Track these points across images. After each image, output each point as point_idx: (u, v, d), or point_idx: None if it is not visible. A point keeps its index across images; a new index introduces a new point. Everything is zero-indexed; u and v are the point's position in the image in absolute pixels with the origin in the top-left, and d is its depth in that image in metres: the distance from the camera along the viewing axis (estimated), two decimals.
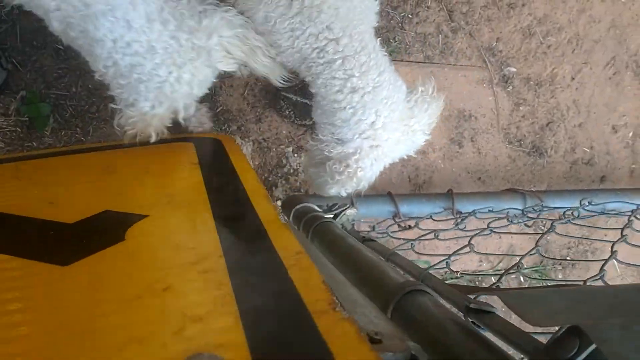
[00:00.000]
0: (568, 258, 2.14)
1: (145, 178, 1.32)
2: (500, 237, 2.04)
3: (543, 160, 2.07)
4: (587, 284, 0.91)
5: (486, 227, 1.49)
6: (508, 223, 1.61)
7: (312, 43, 1.19)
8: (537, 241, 1.24)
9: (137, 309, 0.70)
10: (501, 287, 1.03)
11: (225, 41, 1.21)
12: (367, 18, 1.25)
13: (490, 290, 0.75)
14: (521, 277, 2.14)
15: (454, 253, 1.26)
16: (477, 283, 2.11)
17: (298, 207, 1.57)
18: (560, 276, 2.16)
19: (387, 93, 1.29)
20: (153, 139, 1.32)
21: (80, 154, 1.62)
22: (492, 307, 0.82)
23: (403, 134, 1.41)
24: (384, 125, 1.31)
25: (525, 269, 2.13)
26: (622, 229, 1.69)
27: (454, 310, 0.83)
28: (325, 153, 1.41)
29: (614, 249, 1.25)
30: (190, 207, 1.09)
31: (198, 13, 1.15)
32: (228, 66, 1.26)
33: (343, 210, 1.52)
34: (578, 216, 1.64)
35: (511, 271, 1.16)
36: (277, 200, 1.88)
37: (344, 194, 1.49)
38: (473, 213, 1.71)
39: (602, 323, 0.52)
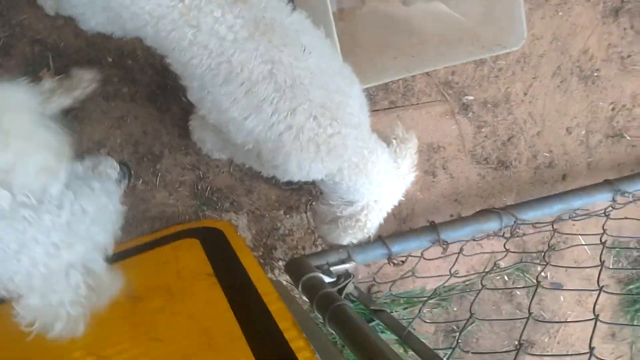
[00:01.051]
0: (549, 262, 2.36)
1: (174, 306, 1.44)
2: (482, 247, 2.23)
3: (509, 171, 2.26)
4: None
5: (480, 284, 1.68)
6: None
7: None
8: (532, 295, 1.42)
9: None
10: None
11: None
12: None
13: None
14: (505, 277, 2.37)
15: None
16: (468, 291, 2.32)
17: (305, 279, 1.72)
18: (539, 268, 2.39)
19: (388, 168, 1.51)
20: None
21: None
22: None
23: (396, 182, 1.62)
24: (385, 186, 1.52)
25: (508, 268, 2.34)
26: (601, 236, 1.91)
27: None
28: (337, 214, 1.59)
29: (602, 260, 1.51)
30: (230, 350, 1.22)
31: None
32: None
33: (346, 283, 1.68)
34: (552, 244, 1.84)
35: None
36: (279, 261, 2.03)
37: (355, 242, 1.69)
38: (460, 251, 1.90)
39: None
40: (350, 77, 1.36)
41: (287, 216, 2.03)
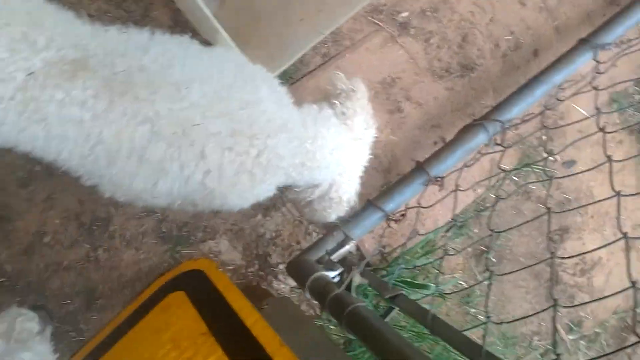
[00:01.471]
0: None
1: None
2: (480, 161, 2.04)
3: (476, 72, 2.03)
4: None
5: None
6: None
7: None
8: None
9: None
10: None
11: None
12: None
13: None
14: (515, 177, 2.18)
15: None
16: (482, 208, 2.15)
17: (309, 283, 1.57)
18: (545, 155, 2.20)
19: (340, 140, 1.37)
20: None
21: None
22: None
23: (355, 148, 1.49)
24: (344, 158, 1.40)
25: (515, 169, 2.16)
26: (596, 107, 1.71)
27: None
28: (307, 199, 1.48)
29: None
30: None
31: None
32: None
33: (351, 277, 1.52)
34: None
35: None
36: (278, 266, 1.87)
37: (342, 215, 1.59)
38: (456, 188, 1.71)
39: None
40: (253, 79, 1.15)
41: (267, 218, 1.86)
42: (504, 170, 1.70)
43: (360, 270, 1.56)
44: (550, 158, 2.21)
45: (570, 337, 2.32)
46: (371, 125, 1.57)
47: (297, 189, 1.48)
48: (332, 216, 1.58)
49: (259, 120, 1.10)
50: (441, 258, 1.56)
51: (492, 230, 1.47)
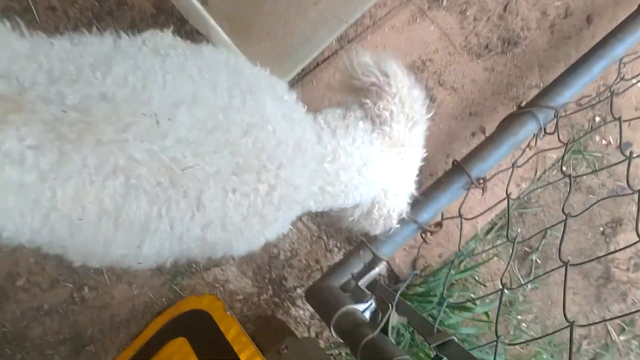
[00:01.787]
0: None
1: None
2: (525, 152, 1.74)
3: (520, 47, 1.70)
4: None
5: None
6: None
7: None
8: None
9: None
10: None
11: None
12: None
13: None
14: (563, 167, 1.88)
15: None
16: (526, 205, 1.86)
17: (336, 317, 1.31)
18: (597, 138, 1.90)
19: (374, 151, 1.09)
20: None
21: None
22: None
23: (399, 155, 1.18)
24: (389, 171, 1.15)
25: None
26: None
27: None
28: (349, 220, 1.25)
29: None
30: None
31: None
32: None
33: (386, 318, 1.24)
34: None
35: None
36: (296, 290, 1.61)
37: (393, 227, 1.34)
38: (508, 196, 1.42)
39: None
40: (254, 90, 0.85)
41: (281, 237, 1.58)
42: (567, 176, 1.40)
43: (396, 305, 1.28)
44: (603, 141, 1.92)
45: (622, 337, 2.08)
46: (418, 121, 1.21)
47: (333, 213, 1.23)
48: (379, 230, 1.33)
49: (267, 145, 0.82)
50: (497, 292, 1.29)
51: (564, 262, 1.18)
